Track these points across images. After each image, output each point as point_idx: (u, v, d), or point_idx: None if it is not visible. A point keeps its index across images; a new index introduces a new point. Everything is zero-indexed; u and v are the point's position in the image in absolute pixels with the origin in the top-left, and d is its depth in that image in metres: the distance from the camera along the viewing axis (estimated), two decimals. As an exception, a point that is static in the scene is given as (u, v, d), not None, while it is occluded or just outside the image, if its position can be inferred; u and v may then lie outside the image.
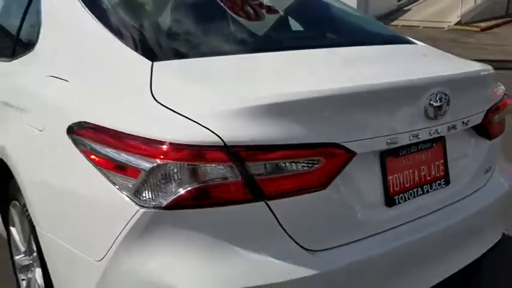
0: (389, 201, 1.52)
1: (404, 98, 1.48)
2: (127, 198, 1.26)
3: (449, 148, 1.69)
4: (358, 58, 1.78)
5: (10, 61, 2.11)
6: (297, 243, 1.32)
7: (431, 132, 1.56)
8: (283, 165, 1.27)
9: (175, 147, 1.22)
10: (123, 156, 1.28)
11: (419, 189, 1.60)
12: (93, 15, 1.70)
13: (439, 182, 1.67)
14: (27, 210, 1.75)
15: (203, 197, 1.24)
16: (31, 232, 1.76)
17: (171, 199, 1.23)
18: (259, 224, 1.29)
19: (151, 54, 1.49)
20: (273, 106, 1.27)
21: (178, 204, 1.23)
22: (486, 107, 1.79)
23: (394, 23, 17.71)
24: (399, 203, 1.54)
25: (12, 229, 2.11)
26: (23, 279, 2.14)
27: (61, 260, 1.54)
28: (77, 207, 1.43)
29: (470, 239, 1.79)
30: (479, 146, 1.82)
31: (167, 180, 1.23)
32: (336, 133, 1.34)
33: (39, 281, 1.86)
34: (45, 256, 1.61)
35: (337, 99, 1.35)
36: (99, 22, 1.67)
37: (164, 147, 1.22)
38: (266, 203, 1.27)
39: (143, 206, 1.24)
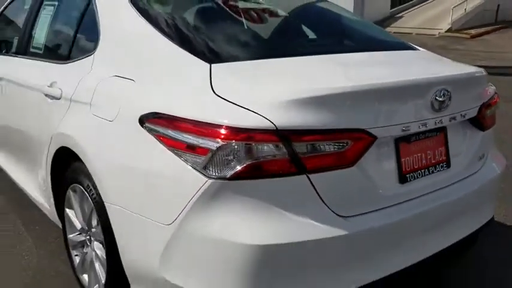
0: (402, 179, 1.85)
1: (415, 93, 1.82)
2: (197, 172, 1.58)
3: (449, 137, 2.02)
4: (375, 61, 2.12)
5: (65, 64, 2.42)
6: (331, 210, 1.64)
7: (436, 122, 1.89)
8: (321, 146, 1.59)
9: (236, 130, 1.54)
10: (192, 139, 1.60)
11: (425, 170, 1.93)
12: (151, 25, 2.02)
13: (441, 164, 2.00)
14: (91, 190, 2.06)
15: (258, 171, 1.56)
16: (95, 209, 2.06)
17: (232, 172, 1.55)
18: (301, 193, 1.61)
19: (208, 58, 1.81)
20: (313, 98, 1.59)
21: (238, 176, 1.55)
22: (480, 103, 2.13)
23: (387, 30, 18.07)
24: (410, 181, 1.87)
25: (68, 211, 2.40)
26: (76, 255, 2.43)
27: (129, 227, 1.84)
28: (148, 182, 1.74)
29: (466, 214, 2.12)
30: (474, 136, 2.16)
31: (230, 157, 1.55)
32: (361, 121, 1.67)
33: (99, 253, 2.16)
34: (113, 226, 1.91)
35: (363, 94, 1.69)
36: (157, 31, 1.99)
37: (227, 130, 1.54)
38: (307, 176, 1.59)
39: (210, 178, 1.56)
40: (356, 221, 1.68)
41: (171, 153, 1.65)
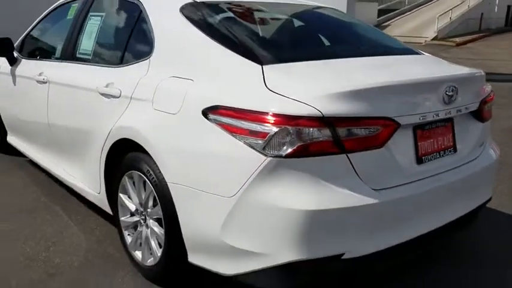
0: (419, 160, 2.23)
1: (430, 89, 2.20)
2: (257, 152, 1.94)
3: (456, 126, 2.41)
4: (393, 63, 2.53)
5: (120, 67, 2.77)
6: (365, 183, 2.01)
7: (446, 113, 2.28)
8: (357, 130, 1.97)
9: (290, 118, 1.90)
10: (253, 125, 1.96)
11: (437, 154, 2.32)
12: (203, 32, 2.39)
13: (449, 149, 2.38)
14: (151, 174, 2.40)
15: (307, 150, 1.92)
16: (155, 191, 2.40)
17: (287, 151, 1.91)
18: (341, 169, 1.97)
19: (259, 60, 2.17)
20: (351, 92, 1.97)
21: (291, 154, 1.91)
22: (480, 99, 2.52)
23: (377, 38, 18.50)
24: (425, 162, 2.25)
25: (122, 196, 2.73)
26: (128, 235, 2.77)
27: (192, 202, 2.18)
28: (211, 162, 2.09)
29: (470, 193, 2.50)
30: (475, 127, 2.55)
31: (285, 139, 1.91)
32: (389, 110, 2.05)
33: (156, 229, 2.50)
34: (175, 203, 2.26)
35: (390, 88, 2.07)
36: (209, 38, 2.35)
37: (283, 118, 1.91)
38: (346, 155, 1.96)
39: (269, 156, 1.92)
40: (384, 193, 2.05)
41: (233, 138, 2.01)
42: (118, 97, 2.63)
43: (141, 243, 2.66)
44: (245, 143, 1.98)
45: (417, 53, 2.91)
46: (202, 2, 2.67)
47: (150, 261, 2.58)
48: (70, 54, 3.29)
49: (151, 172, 2.40)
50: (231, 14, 2.68)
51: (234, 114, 2.02)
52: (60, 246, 3.00)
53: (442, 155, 2.34)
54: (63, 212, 3.47)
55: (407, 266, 2.70)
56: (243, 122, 1.99)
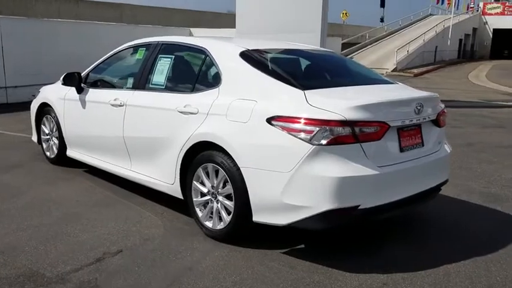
0: (401, 149, 3.52)
1: (407, 104, 3.54)
2: (306, 143, 3.18)
3: (423, 129, 3.73)
4: (384, 89, 3.89)
5: (194, 93, 3.98)
6: (371, 162, 3.28)
7: (416, 120, 3.60)
8: (366, 128, 3.25)
9: (327, 121, 3.17)
10: (303, 127, 3.21)
11: (412, 146, 3.62)
12: (258, 70, 3.66)
13: (419, 144, 3.69)
14: (224, 164, 3.59)
15: (337, 140, 3.18)
16: (227, 175, 3.59)
17: (325, 141, 3.16)
18: (357, 153, 3.23)
19: (301, 87, 3.45)
20: (362, 105, 3.25)
21: (328, 143, 3.16)
22: (437, 111, 3.86)
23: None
24: (405, 151, 3.55)
25: (195, 183, 3.90)
26: (200, 210, 3.93)
27: (259, 178, 3.37)
28: (274, 151, 3.31)
29: (433, 173, 3.81)
30: (434, 130, 3.88)
31: (323, 134, 3.16)
32: (383, 116, 3.34)
33: (227, 202, 3.67)
34: (246, 180, 3.45)
35: (384, 104, 3.39)
36: (265, 74, 3.62)
37: (322, 121, 3.17)
38: (360, 144, 3.24)
39: (314, 145, 3.17)
40: (383, 168, 3.33)
41: (289, 135, 3.25)
42: (196, 113, 3.83)
43: (211, 215, 3.83)
44: (297, 137, 3.22)
45: (394, 83, 4.26)
46: (254, 50, 3.95)
47: (220, 226, 3.74)
48: (143, 85, 4.48)
49: (224, 162, 3.59)
50: (274, 57, 3.98)
51: (290, 120, 3.27)
52: (143, 224, 4.12)
53: (415, 147, 3.65)
54: (133, 204, 4.59)
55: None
56: (295, 125, 3.24)
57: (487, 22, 46.15)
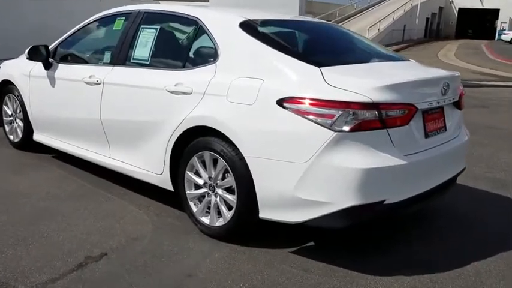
0: (426, 135, 3.12)
1: (435, 84, 3.12)
2: (326, 129, 2.73)
3: (445, 112, 3.33)
4: (401, 67, 3.43)
5: (186, 70, 3.44)
6: (398, 150, 2.86)
7: (441, 102, 3.19)
8: (394, 112, 2.82)
9: (349, 103, 2.71)
10: (323, 110, 2.75)
11: (436, 131, 3.22)
12: (263, 43, 3.15)
13: (442, 129, 3.30)
14: (225, 152, 3.10)
15: (362, 126, 2.73)
16: (228, 165, 3.11)
17: (349, 127, 2.71)
18: (383, 140, 2.80)
19: (316, 64, 2.97)
20: (389, 85, 2.81)
21: (352, 130, 2.72)
22: (458, 92, 3.47)
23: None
24: (430, 137, 3.14)
25: (189, 173, 3.40)
26: (194, 204, 3.44)
27: (268, 170, 2.91)
28: (286, 138, 2.84)
29: (454, 161, 3.44)
30: (455, 113, 3.49)
31: (347, 119, 2.71)
32: (411, 98, 2.92)
33: (228, 196, 3.20)
34: (252, 172, 2.98)
35: (411, 83, 2.96)
36: (272, 48, 3.11)
37: (345, 104, 2.71)
38: (387, 130, 2.80)
39: (335, 131, 2.72)
40: (410, 157, 2.91)
41: (305, 119, 2.78)
42: (190, 93, 3.31)
43: (208, 210, 3.35)
44: (315, 122, 2.76)
45: (408, 60, 3.84)
46: (256, 20, 3.43)
47: (219, 223, 3.27)
48: (123, 60, 3.90)
49: (225, 151, 3.11)
50: (279, 29, 3.47)
51: (306, 102, 2.80)
52: (127, 220, 3.60)
53: (439, 132, 3.25)
54: (113, 196, 4.05)
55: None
56: (313, 108, 2.78)
57: (452, 1, 46.61)
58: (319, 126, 2.75)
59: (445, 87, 3.17)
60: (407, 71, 3.36)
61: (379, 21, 28.26)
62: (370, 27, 27.01)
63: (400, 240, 3.41)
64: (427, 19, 40.02)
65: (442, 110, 3.30)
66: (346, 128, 2.72)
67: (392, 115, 2.83)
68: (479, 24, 49.26)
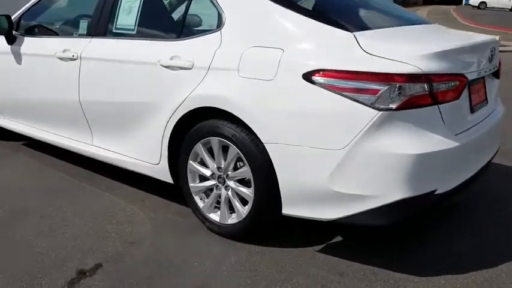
0: (472, 110, 2.67)
1: (483, 51, 2.66)
2: (368, 108, 2.24)
3: (486, 82, 2.89)
4: (436, 31, 2.95)
5: (183, 40, 2.87)
6: (449, 129, 2.40)
7: (488, 69, 2.74)
8: (446, 84, 2.35)
9: (397, 75, 2.23)
10: (363, 84, 2.25)
11: (479, 104, 2.77)
12: (282, 6, 2.60)
13: (484, 101, 2.86)
14: (238, 138, 2.59)
15: (411, 103, 2.26)
16: (242, 153, 2.60)
17: (396, 104, 2.24)
18: (433, 119, 2.34)
19: (348, 28, 2.45)
20: (439, 53, 2.33)
21: (400, 107, 2.24)
22: (498, 59, 3.03)
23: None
24: (475, 111, 2.70)
25: (193, 162, 2.88)
26: (201, 199, 2.93)
27: (295, 158, 2.42)
28: (317, 120, 2.35)
29: (494, 138, 3.01)
30: (494, 82, 3.05)
31: (393, 94, 2.23)
32: (461, 67, 2.45)
33: (242, 189, 2.69)
34: (274, 161, 2.49)
35: (461, 50, 2.48)
36: (291, 10, 2.57)
37: (391, 76, 2.22)
38: (438, 107, 2.34)
39: (379, 110, 2.23)
40: (460, 137, 2.47)
41: (341, 96, 2.29)
42: (190, 68, 2.76)
43: (217, 205, 2.85)
44: (354, 100, 2.27)
45: (431, 23, 3.36)
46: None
47: (231, 220, 2.79)
48: (103, 30, 3.29)
49: (238, 136, 2.59)
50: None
51: (341, 75, 2.30)
52: (120, 218, 3.07)
53: (482, 106, 2.81)
54: (98, 189, 3.50)
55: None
56: (350, 82, 2.28)
57: (420, -34, 46.19)
58: (359, 104, 2.27)
59: (492, 54, 2.72)
60: (447, 36, 2.89)
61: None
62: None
63: (433, 230, 2.98)
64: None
65: (483, 80, 2.85)
66: (392, 106, 2.25)
67: (444, 88, 2.36)
68: (446, -11, 49.21)
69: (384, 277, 2.49)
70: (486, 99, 2.89)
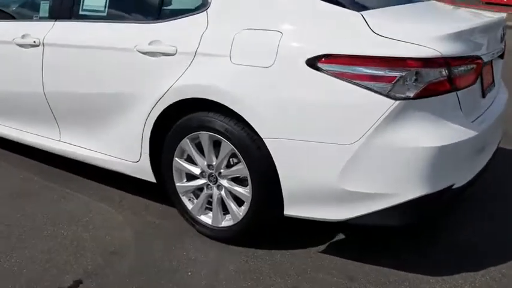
0: (483, 94, 2.47)
1: (496, 30, 2.45)
2: (382, 97, 1.99)
3: (493, 63, 2.69)
4: (441, 9, 2.72)
5: (163, 22, 2.53)
6: (465, 117, 2.19)
7: (500, 50, 2.53)
8: (463, 68, 2.12)
9: (416, 60, 1.98)
10: (376, 71, 2.00)
11: (489, 87, 2.58)
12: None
13: (492, 84, 2.66)
14: (232, 132, 2.30)
15: (430, 90, 2.02)
16: (237, 150, 2.32)
17: (414, 92, 1.99)
18: (452, 106, 2.12)
19: (355, 8, 2.18)
20: (456, 33, 2.09)
21: (418, 95, 2.00)
22: (505, 39, 2.83)
23: None
24: (485, 96, 2.50)
25: (179, 160, 2.58)
26: (189, 200, 2.64)
27: (299, 155, 2.16)
28: (324, 112, 2.08)
29: (502, 121, 2.82)
30: (499, 63, 2.86)
31: (411, 81, 1.99)
32: (477, 49, 2.23)
33: (238, 189, 2.42)
34: (275, 158, 2.22)
35: (476, 30, 2.25)
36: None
37: (409, 61, 1.97)
38: (456, 93, 2.11)
39: (396, 99, 1.99)
40: (476, 124, 2.26)
41: (351, 84, 2.03)
42: (173, 54, 2.43)
43: (208, 206, 2.58)
44: (367, 88, 2.01)
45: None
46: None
47: (226, 222, 2.52)
48: (68, 12, 2.91)
49: (231, 130, 2.31)
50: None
51: (351, 61, 2.03)
52: (96, 223, 2.76)
53: (491, 89, 2.62)
54: (69, 190, 3.15)
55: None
56: (362, 69, 2.02)
57: None
58: (372, 93, 2.01)
59: (503, 33, 2.51)
60: (457, 15, 2.65)
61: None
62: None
63: (440, 225, 2.80)
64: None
65: (491, 62, 2.64)
66: (410, 94, 2.00)
67: (462, 72, 2.13)
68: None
69: (396, 279, 2.29)
70: (493, 81, 2.69)
